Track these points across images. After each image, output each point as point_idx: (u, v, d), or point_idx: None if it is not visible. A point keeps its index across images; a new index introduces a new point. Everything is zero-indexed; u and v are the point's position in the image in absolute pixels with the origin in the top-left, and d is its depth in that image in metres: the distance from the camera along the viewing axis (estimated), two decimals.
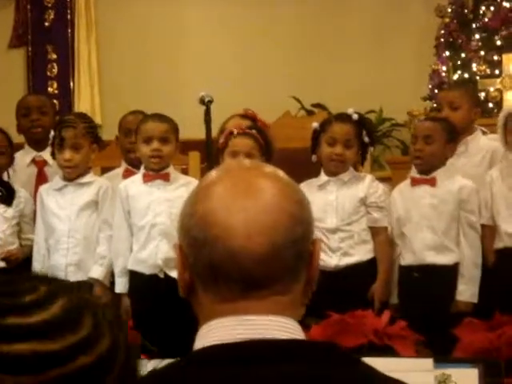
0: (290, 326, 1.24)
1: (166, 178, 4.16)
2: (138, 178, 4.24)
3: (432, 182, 4.18)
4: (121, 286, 4.17)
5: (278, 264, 1.23)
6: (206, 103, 3.78)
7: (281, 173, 1.33)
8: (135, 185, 4.19)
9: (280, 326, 1.23)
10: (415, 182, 4.22)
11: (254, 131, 4.10)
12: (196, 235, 1.25)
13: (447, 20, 6.43)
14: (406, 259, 4.16)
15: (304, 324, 3.66)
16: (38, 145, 4.61)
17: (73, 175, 4.26)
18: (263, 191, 1.26)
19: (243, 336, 1.21)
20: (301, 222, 1.26)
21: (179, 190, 4.14)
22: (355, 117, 4.21)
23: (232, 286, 1.23)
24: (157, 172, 4.17)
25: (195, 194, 1.29)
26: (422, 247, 4.11)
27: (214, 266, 1.24)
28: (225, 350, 1.20)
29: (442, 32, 6.43)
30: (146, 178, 4.17)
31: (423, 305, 4.03)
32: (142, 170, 4.24)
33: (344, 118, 4.24)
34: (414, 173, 4.28)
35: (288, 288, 1.25)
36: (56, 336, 0.90)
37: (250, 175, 1.29)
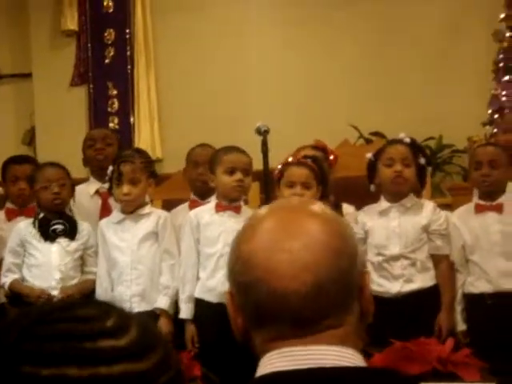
0: (348, 355, 1.23)
1: (238, 210, 4.20)
2: (209, 207, 4.28)
3: (498, 209, 4.14)
4: (187, 312, 4.19)
5: (325, 300, 1.23)
6: (263, 133, 3.81)
7: (325, 209, 1.34)
8: (207, 214, 4.23)
9: (338, 356, 1.23)
10: (480, 209, 4.17)
11: (308, 160, 4.12)
12: (241, 280, 1.27)
13: (505, 44, 6.37)
14: (479, 287, 4.09)
15: (366, 353, 3.63)
16: (102, 175, 4.66)
17: (130, 209, 4.32)
18: (305, 230, 1.26)
19: (303, 363, 1.21)
20: (345, 256, 1.25)
21: None
22: (407, 140, 4.22)
23: (280, 326, 1.24)
24: (230, 203, 4.21)
25: (239, 237, 1.31)
26: (497, 274, 4.06)
27: (260, 309, 1.25)
28: (285, 378, 1.21)
29: (501, 56, 6.37)
30: (219, 208, 4.21)
31: (496, 331, 3.94)
32: (214, 200, 4.28)
33: (397, 141, 4.27)
34: (476, 199, 4.24)
35: (339, 322, 1.25)
36: (143, 356, 0.93)
37: (292, 215, 1.29)
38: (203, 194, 4.67)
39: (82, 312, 0.95)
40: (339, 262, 1.24)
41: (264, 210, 1.35)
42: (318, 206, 1.34)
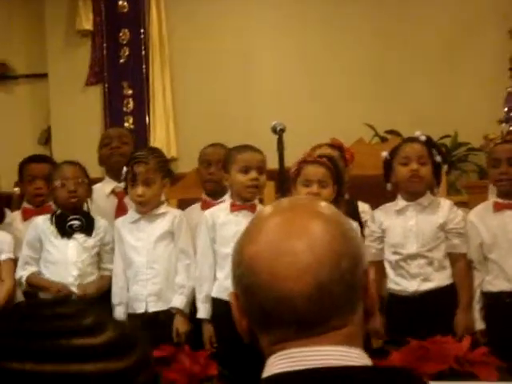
0: (354, 355, 1.23)
1: (253, 209, 4.18)
2: (224, 206, 4.28)
3: None
4: (204, 312, 4.19)
5: (328, 301, 1.23)
6: (278, 132, 3.80)
7: (327, 207, 1.33)
8: (222, 213, 4.22)
9: (344, 355, 1.23)
10: (499, 207, 4.15)
11: (325, 159, 4.12)
12: (245, 283, 1.26)
13: None
14: (497, 285, 4.08)
15: (384, 350, 3.63)
16: (118, 175, 4.67)
17: (145, 210, 4.32)
18: (308, 231, 1.25)
19: (308, 364, 1.21)
20: (347, 257, 1.25)
21: None
22: (423, 138, 4.21)
23: (285, 329, 1.23)
24: (244, 202, 4.21)
25: (243, 238, 1.30)
26: None
27: (265, 311, 1.24)
28: (290, 379, 1.21)
29: None
30: (234, 208, 4.21)
31: None
32: (229, 199, 4.28)
33: (412, 139, 4.25)
34: (494, 197, 4.22)
35: (344, 322, 1.24)
36: (120, 355, 0.94)
37: (295, 215, 1.28)
38: (215, 193, 4.68)
39: (60, 310, 0.97)
40: (342, 263, 1.23)
41: (267, 210, 1.34)
42: (322, 206, 1.33)
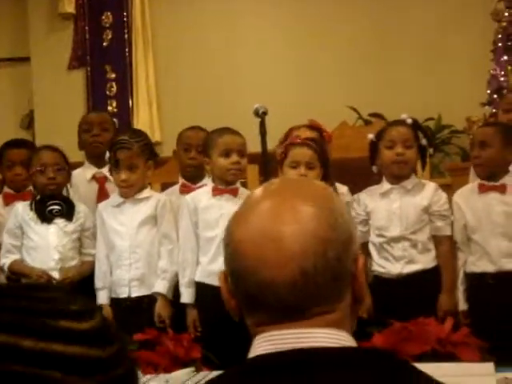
0: (338, 337, 1.23)
1: (235, 192, 4.18)
2: (205, 190, 4.27)
3: (502, 189, 4.12)
4: (188, 296, 4.19)
5: (313, 289, 1.22)
6: (261, 115, 3.79)
7: (320, 189, 1.31)
8: (204, 197, 4.21)
9: (327, 337, 1.23)
10: (484, 189, 4.16)
11: (311, 142, 4.12)
12: (232, 266, 1.27)
13: (504, 24, 6.35)
14: (481, 266, 4.09)
15: (366, 332, 3.63)
16: (98, 161, 4.65)
17: (130, 194, 4.32)
18: (296, 217, 1.24)
19: (290, 346, 1.21)
20: (334, 245, 1.24)
21: None
22: (409, 121, 4.21)
23: (269, 313, 1.24)
24: (226, 186, 4.20)
25: (232, 221, 1.30)
26: (500, 255, 4.05)
27: (249, 296, 1.25)
28: (269, 360, 1.21)
29: (499, 36, 6.35)
30: (216, 192, 4.20)
31: (496, 311, 3.94)
32: (210, 183, 4.27)
33: (399, 122, 4.25)
34: (477, 179, 4.23)
35: (330, 309, 1.24)
36: (103, 344, 0.94)
37: (285, 200, 1.27)
38: (194, 177, 4.65)
39: (45, 294, 0.97)
40: (328, 251, 1.22)
41: (259, 192, 1.33)
42: (314, 189, 1.32)
